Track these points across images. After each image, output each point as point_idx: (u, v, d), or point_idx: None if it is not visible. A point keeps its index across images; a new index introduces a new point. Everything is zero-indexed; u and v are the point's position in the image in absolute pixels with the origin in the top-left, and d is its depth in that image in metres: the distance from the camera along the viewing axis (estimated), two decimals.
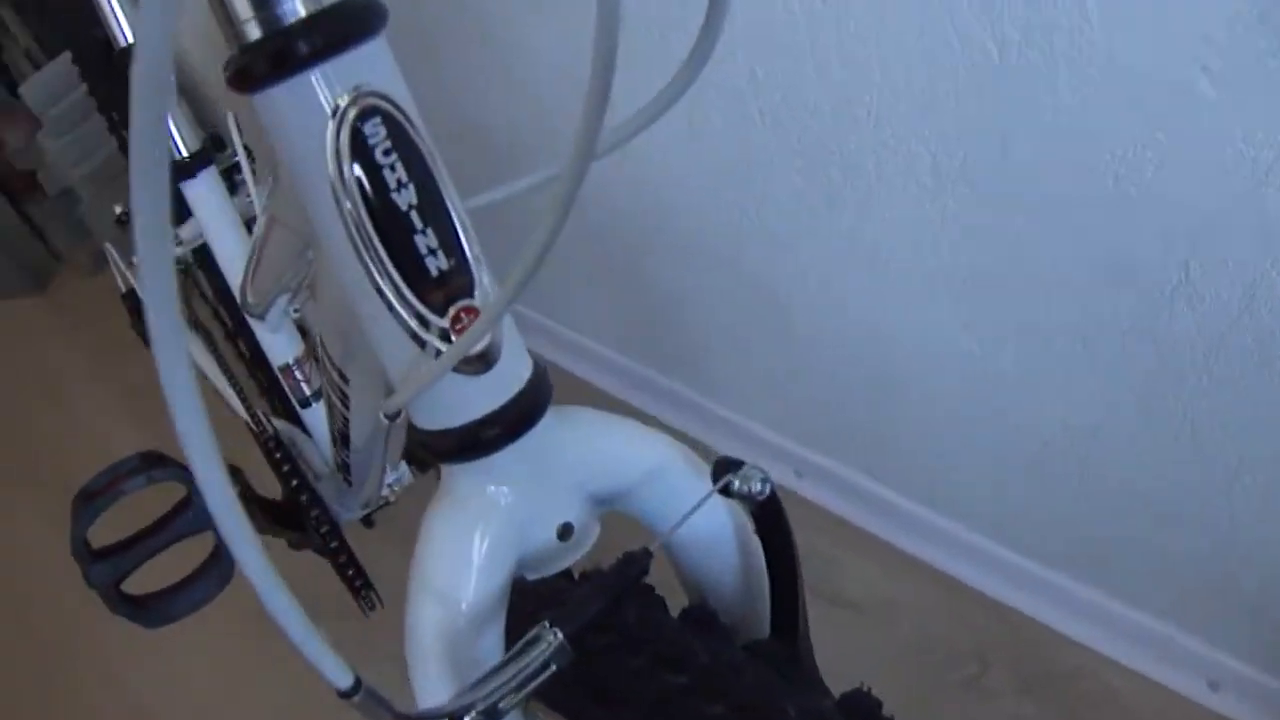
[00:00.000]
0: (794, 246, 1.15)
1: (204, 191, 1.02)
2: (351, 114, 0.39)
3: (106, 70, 1.02)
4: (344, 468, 0.91)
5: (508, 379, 0.46)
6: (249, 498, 1.06)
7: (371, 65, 0.40)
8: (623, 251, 1.43)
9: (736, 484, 0.50)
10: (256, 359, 1.14)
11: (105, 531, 0.88)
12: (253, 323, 1.05)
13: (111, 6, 0.96)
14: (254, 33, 0.39)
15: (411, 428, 0.49)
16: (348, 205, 0.40)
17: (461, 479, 0.49)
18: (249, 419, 1.14)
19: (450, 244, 0.42)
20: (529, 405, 0.47)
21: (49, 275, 2.85)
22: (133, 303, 1.51)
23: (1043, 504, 1.13)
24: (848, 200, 1.04)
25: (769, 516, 0.52)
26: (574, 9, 1.19)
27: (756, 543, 0.55)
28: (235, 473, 1.00)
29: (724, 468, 0.50)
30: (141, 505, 0.92)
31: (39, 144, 2.33)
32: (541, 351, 1.76)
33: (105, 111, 1.13)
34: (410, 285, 0.42)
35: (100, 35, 1.01)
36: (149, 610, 0.94)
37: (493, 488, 0.48)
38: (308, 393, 1.10)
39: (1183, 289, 0.83)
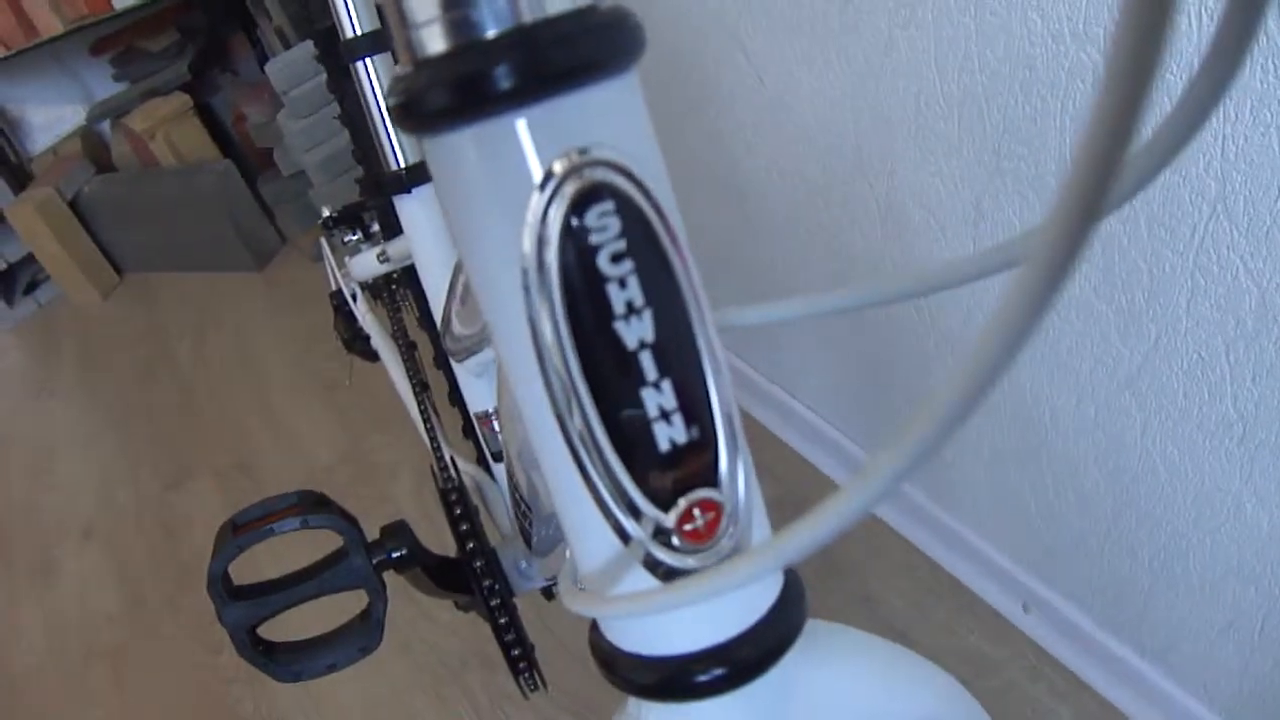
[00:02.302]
0: (1075, 368, 0.94)
1: (418, 209, 0.91)
2: (570, 191, 0.24)
3: (335, 60, 0.92)
4: (524, 530, 0.79)
5: (745, 604, 0.31)
6: (414, 551, 0.94)
7: (609, 118, 0.25)
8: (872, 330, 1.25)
9: None
10: (458, 398, 1.03)
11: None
12: (454, 363, 0.94)
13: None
14: (435, 42, 0.24)
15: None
16: (546, 329, 0.25)
17: None
18: (434, 460, 1.03)
19: (696, 407, 0.27)
20: (771, 640, 0.31)
21: (270, 254, 2.90)
22: (338, 302, 1.44)
23: None
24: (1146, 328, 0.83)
25: None
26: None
27: None
28: (400, 527, 0.88)
29: None
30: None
31: (279, 124, 2.34)
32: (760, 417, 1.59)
33: (340, 102, 1.04)
34: (625, 461, 0.27)
35: (331, 25, 0.92)
36: (279, 662, 0.83)
37: None
38: (496, 446, 0.98)
39: None
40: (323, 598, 0.81)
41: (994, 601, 1.27)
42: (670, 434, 0.27)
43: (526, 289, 0.25)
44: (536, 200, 0.24)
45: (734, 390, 0.28)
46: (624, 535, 0.28)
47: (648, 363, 0.26)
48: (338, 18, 0.89)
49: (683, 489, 0.27)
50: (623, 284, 0.25)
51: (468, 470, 1.04)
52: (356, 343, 1.39)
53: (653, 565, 0.28)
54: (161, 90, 3.06)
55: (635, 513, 0.27)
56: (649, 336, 0.26)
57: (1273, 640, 0.89)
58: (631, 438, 0.27)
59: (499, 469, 1.01)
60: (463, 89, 0.24)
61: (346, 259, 1.10)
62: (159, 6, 2.90)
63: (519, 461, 0.50)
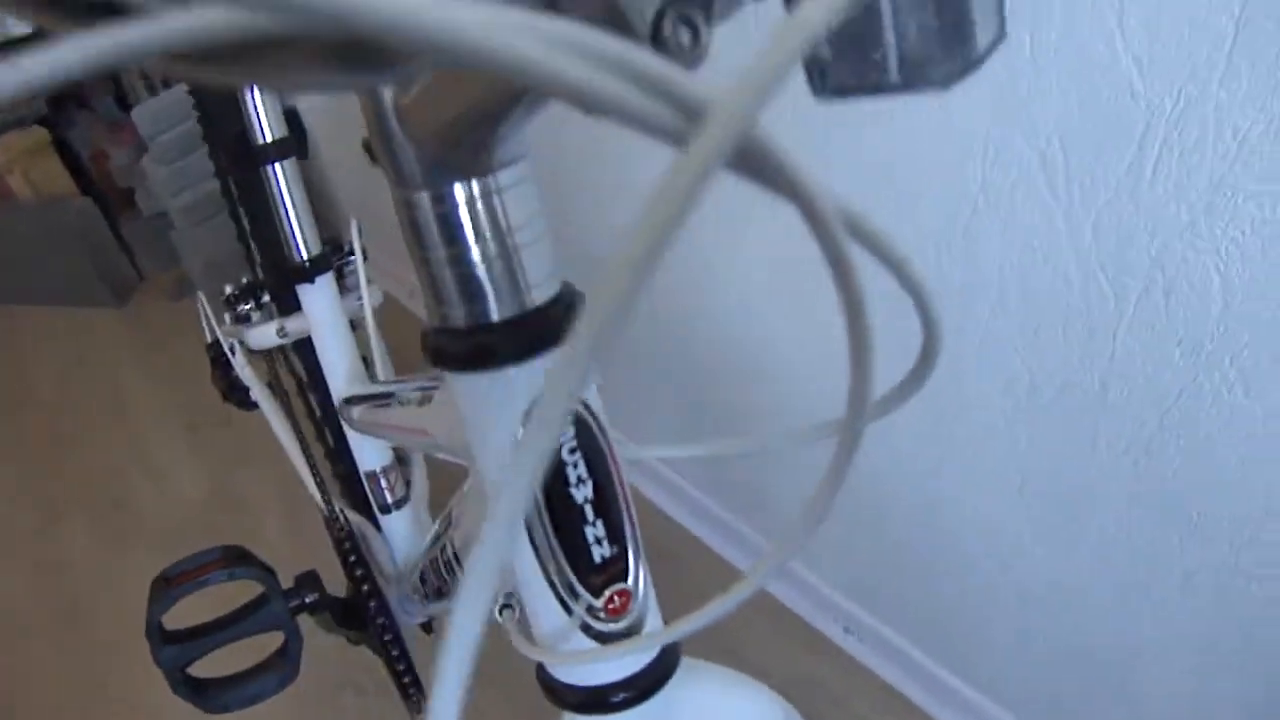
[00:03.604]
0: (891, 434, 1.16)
1: (318, 295, 1.05)
2: None
3: (241, 161, 1.05)
4: (425, 584, 0.93)
5: (646, 650, 0.48)
6: (324, 596, 1.07)
7: None
8: None
9: None
10: (340, 454, 1.17)
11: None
12: (346, 428, 1.08)
13: (255, 107, 1.00)
14: (459, 319, 0.41)
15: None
16: None
17: None
18: (325, 510, 1.16)
19: (617, 534, 0.44)
20: (662, 671, 0.48)
21: (129, 292, 2.92)
22: (216, 353, 1.55)
23: None
24: (945, 400, 1.06)
25: None
26: None
27: None
28: (311, 576, 1.02)
29: None
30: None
31: (143, 166, 2.40)
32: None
33: (237, 200, 1.16)
34: (573, 568, 0.44)
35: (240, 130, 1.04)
36: (208, 696, 0.96)
37: None
38: (390, 500, 1.12)
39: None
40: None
41: (819, 625, 1.49)
42: (601, 551, 0.44)
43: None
44: (523, 418, 0.41)
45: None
46: (568, 610, 0.45)
47: (588, 510, 0.43)
48: (250, 126, 1.01)
49: (607, 583, 0.45)
50: (575, 465, 0.42)
51: (353, 518, 1.17)
52: (234, 394, 1.50)
53: (586, 628, 0.45)
54: (18, 124, 3.04)
55: (576, 597, 0.44)
56: (590, 495, 0.43)
57: (1054, 648, 1.13)
58: (576, 553, 0.44)
59: (386, 519, 1.15)
60: (479, 354, 0.40)
61: (243, 329, 1.22)
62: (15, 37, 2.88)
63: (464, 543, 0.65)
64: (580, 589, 0.44)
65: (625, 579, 0.45)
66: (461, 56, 0.18)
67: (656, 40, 0.24)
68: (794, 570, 1.50)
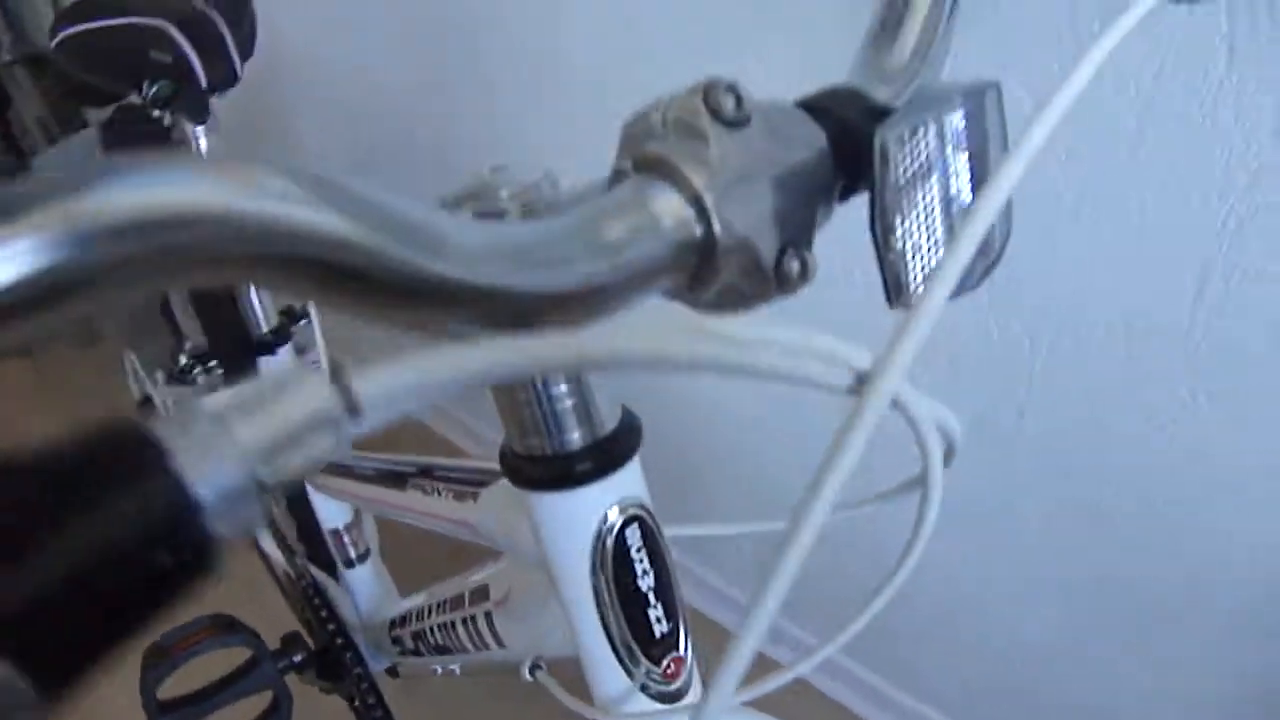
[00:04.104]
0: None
1: (279, 365, 1.10)
2: (618, 522, 0.50)
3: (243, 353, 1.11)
4: (420, 642, 0.99)
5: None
6: (308, 655, 1.12)
7: (634, 480, 0.51)
8: None
9: None
10: (295, 510, 1.22)
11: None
12: (312, 487, 1.13)
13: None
14: (543, 448, 0.50)
15: None
16: (601, 583, 0.51)
17: None
18: (288, 566, 1.22)
19: (671, 611, 0.54)
20: None
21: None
22: (145, 409, 1.57)
23: None
24: None
25: None
26: None
27: None
28: (296, 637, 1.08)
29: None
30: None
31: None
32: None
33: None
34: (638, 642, 0.53)
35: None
36: None
37: None
38: (353, 555, 1.18)
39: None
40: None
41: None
42: (660, 628, 0.53)
43: (593, 569, 0.51)
44: (600, 529, 0.50)
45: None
46: (631, 675, 0.54)
47: (651, 596, 0.52)
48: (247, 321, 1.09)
49: (665, 653, 0.54)
50: (640, 561, 0.51)
51: (315, 572, 1.23)
52: None
53: (645, 689, 0.55)
54: None
55: (639, 664, 0.54)
56: (652, 584, 0.52)
57: (983, 655, 1.26)
58: (640, 630, 0.53)
59: (350, 573, 1.21)
60: (559, 478, 0.49)
61: (199, 397, 1.26)
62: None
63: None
64: (642, 658, 0.53)
65: (678, 648, 0.55)
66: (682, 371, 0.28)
67: (778, 272, 0.34)
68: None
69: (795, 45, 0.93)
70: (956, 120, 0.34)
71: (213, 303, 1.17)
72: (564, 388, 0.47)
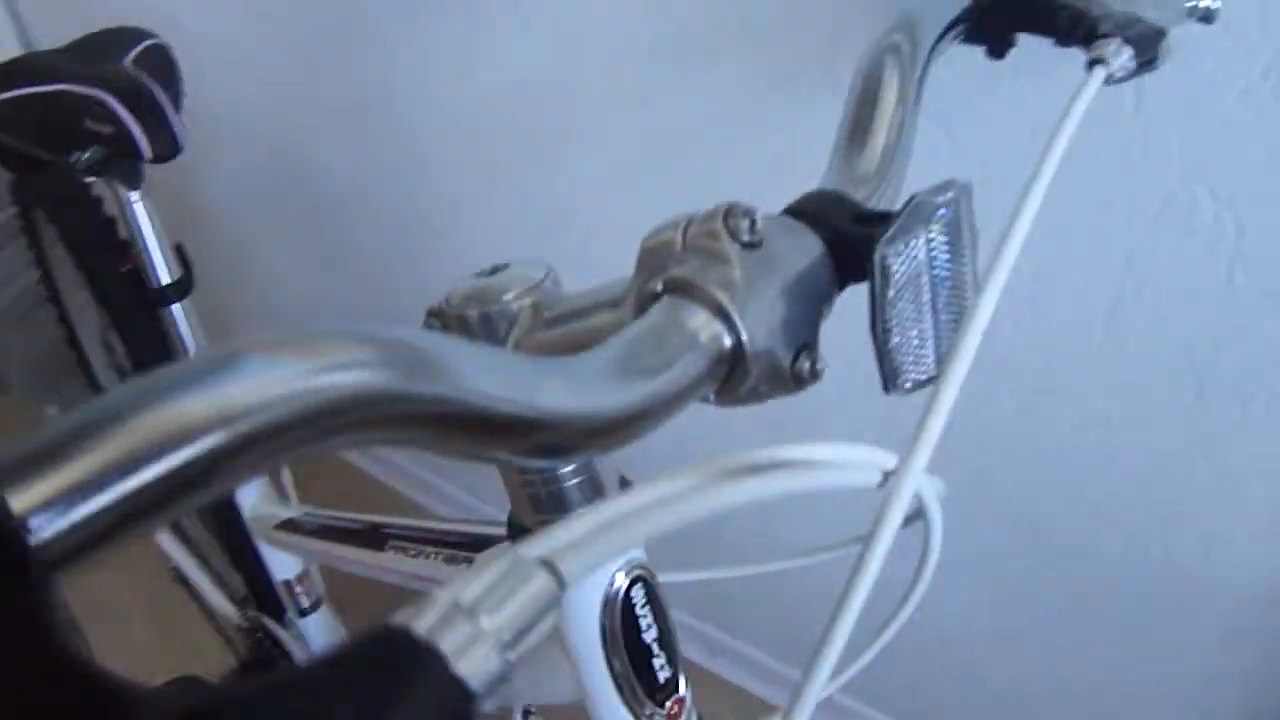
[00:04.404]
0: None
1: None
2: (625, 585, 0.54)
3: (136, 303, 1.07)
4: None
5: None
6: None
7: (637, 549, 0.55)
8: None
9: None
10: (253, 566, 1.22)
11: None
12: (261, 542, 1.14)
13: (151, 251, 1.04)
14: (549, 520, 0.53)
15: None
16: (610, 641, 0.55)
17: None
18: (242, 620, 1.22)
19: (672, 658, 0.58)
20: None
21: None
22: None
23: None
24: None
25: None
26: None
27: None
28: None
29: None
30: None
31: None
32: None
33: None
34: (645, 689, 0.57)
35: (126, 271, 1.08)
36: None
37: None
38: (306, 605, 1.19)
39: None
40: None
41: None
42: (664, 674, 0.57)
43: (602, 626, 0.55)
44: (609, 590, 0.54)
45: None
46: (638, 719, 0.58)
47: (656, 648, 0.56)
48: (147, 269, 1.05)
49: (668, 695, 0.58)
50: (645, 616, 0.55)
51: (267, 622, 1.24)
52: None
53: None
54: None
55: (644, 708, 0.58)
56: (655, 635, 0.56)
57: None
58: (645, 677, 0.57)
59: (303, 622, 1.22)
60: None
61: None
62: None
63: None
64: (648, 702, 0.57)
65: (679, 689, 0.59)
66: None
67: (794, 373, 0.38)
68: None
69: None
70: (942, 226, 0.39)
71: (154, 361, 1.16)
72: (572, 467, 0.51)
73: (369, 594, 1.16)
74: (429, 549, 0.73)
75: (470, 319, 0.47)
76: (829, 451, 0.32)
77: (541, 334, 0.46)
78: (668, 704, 0.58)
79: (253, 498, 1.14)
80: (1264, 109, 0.67)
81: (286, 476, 1.19)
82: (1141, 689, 1.08)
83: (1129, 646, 1.05)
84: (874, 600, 0.34)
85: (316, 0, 1.36)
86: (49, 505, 0.19)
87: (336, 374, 0.24)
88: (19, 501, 0.19)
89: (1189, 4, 0.59)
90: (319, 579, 1.28)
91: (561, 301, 0.47)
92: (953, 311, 0.41)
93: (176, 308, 1.07)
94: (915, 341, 0.40)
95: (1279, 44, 0.64)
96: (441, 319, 0.49)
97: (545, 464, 0.50)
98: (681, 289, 0.36)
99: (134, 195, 1.00)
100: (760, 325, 0.36)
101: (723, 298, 0.35)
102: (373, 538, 0.81)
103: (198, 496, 0.22)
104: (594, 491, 0.52)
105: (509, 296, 0.47)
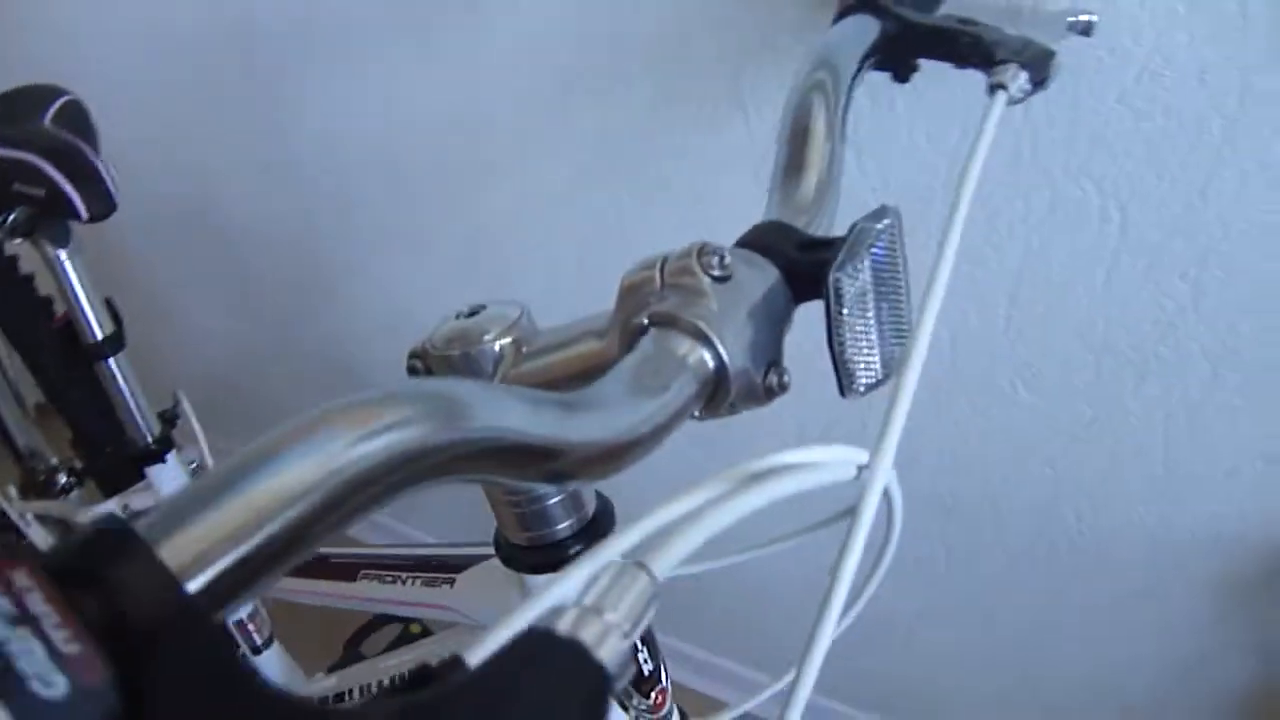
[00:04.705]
0: None
1: (171, 472, 1.12)
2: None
3: (70, 358, 1.08)
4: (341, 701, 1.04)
5: None
6: None
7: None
8: None
9: None
10: None
11: None
12: None
13: (84, 306, 1.04)
14: (534, 537, 0.57)
15: None
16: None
17: None
18: None
19: (654, 652, 0.63)
20: None
21: None
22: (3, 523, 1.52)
23: None
24: None
25: None
26: None
27: None
28: None
29: None
30: None
31: None
32: None
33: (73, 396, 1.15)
34: (632, 683, 0.62)
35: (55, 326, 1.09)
36: None
37: None
38: (259, 641, 1.20)
39: None
40: None
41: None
42: (648, 667, 0.62)
43: None
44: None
45: None
46: (627, 710, 0.63)
47: (639, 644, 0.61)
48: (80, 324, 1.05)
49: (652, 687, 0.63)
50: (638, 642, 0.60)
51: None
52: None
53: None
54: None
55: (632, 698, 0.62)
56: (647, 656, 0.61)
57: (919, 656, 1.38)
58: (639, 684, 0.62)
59: (259, 659, 1.23)
60: (555, 561, 0.57)
61: (66, 505, 1.25)
62: None
63: None
64: (635, 693, 0.62)
65: (661, 680, 0.63)
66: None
67: (765, 387, 0.43)
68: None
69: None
70: (882, 248, 0.45)
71: (91, 415, 1.15)
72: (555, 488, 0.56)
73: (311, 627, 1.19)
74: (404, 574, 0.76)
75: (454, 359, 0.51)
76: (821, 453, 0.37)
77: (524, 367, 0.51)
78: (652, 694, 0.63)
79: None
80: (1139, 109, 0.74)
81: None
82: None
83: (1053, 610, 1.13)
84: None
85: (218, 48, 1.37)
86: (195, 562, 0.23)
87: (406, 430, 0.28)
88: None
89: (1069, 20, 0.67)
90: (266, 616, 1.30)
91: (539, 337, 0.51)
92: (894, 320, 0.47)
93: (112, 361, 1.08)
94: (866, 350, 0.45)
95: (1150, 52, 0.72)
96: (425, 360, 0.53)
97: (560, 485, 0.54)
98: (667, 322, 0.41)
99: (63, 253, 1.00)
100: (737, 347, 0.41)
101: (704, 327, 0.40)
102: (342, 570, 0.84)
103: (307, 548, 0.26)
104: (575, 507, 0.57)
105: (490, 336, 0.51)
